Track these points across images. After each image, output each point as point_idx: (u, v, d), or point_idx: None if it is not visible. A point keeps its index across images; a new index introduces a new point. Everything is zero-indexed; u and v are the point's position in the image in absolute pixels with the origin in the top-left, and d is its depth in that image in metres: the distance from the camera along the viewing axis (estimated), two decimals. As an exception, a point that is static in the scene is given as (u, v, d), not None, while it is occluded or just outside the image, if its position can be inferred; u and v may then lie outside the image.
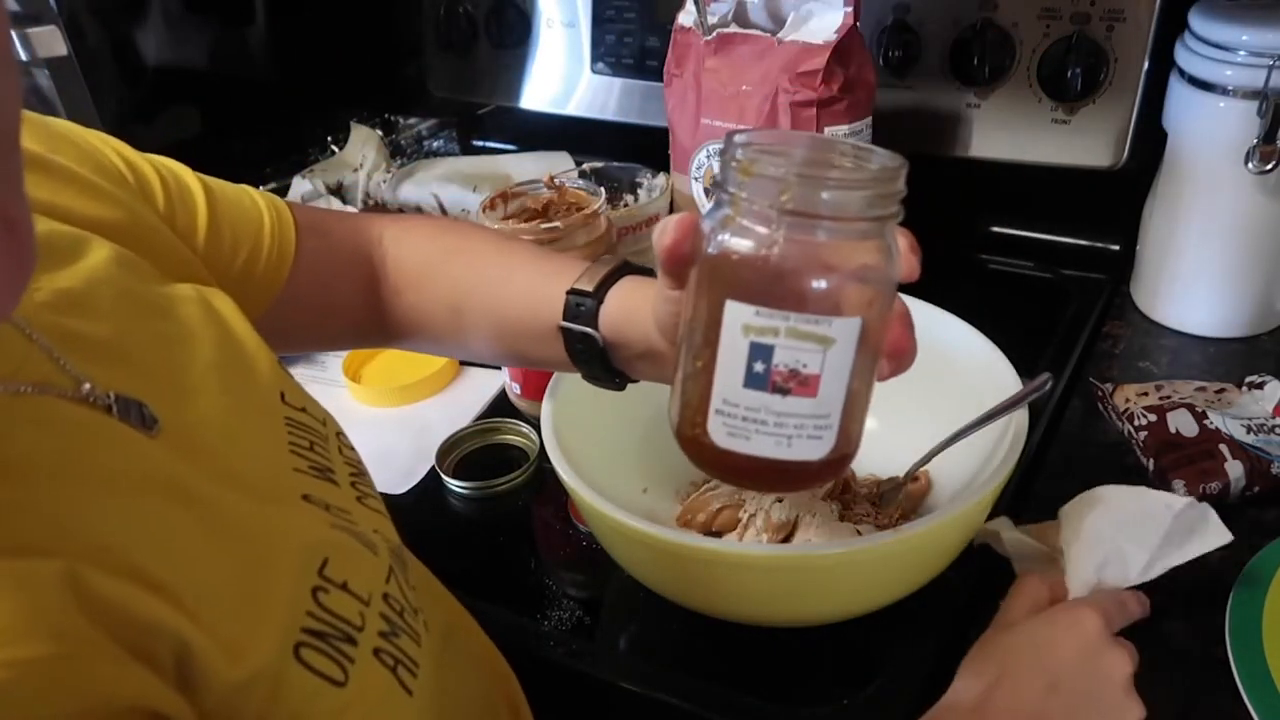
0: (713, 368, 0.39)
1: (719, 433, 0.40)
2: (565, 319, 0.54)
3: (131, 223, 0.49)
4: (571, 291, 0.54)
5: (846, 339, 0.39)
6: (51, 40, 0.97)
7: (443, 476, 0.78)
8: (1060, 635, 0.51)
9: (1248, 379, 0.74)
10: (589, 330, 0.53)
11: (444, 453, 0.80)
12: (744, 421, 0.39)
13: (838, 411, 0.40)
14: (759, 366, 0.38)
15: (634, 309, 0.52)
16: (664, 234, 0.43)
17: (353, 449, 0.51)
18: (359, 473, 0.49)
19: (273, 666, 0.34)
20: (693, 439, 0.41)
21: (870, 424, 0.73)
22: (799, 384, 0.39)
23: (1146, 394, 0.74)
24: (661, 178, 0.95)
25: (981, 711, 0.49)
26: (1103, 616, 0.52)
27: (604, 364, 0.54)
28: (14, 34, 0.96)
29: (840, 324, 0.38)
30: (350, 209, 1.03)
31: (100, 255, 0.44)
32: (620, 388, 0.56)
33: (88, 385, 0.37)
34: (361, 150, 1.17)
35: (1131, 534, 0.55)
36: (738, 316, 0.38)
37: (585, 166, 0.96)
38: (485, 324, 0.59)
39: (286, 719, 0.34)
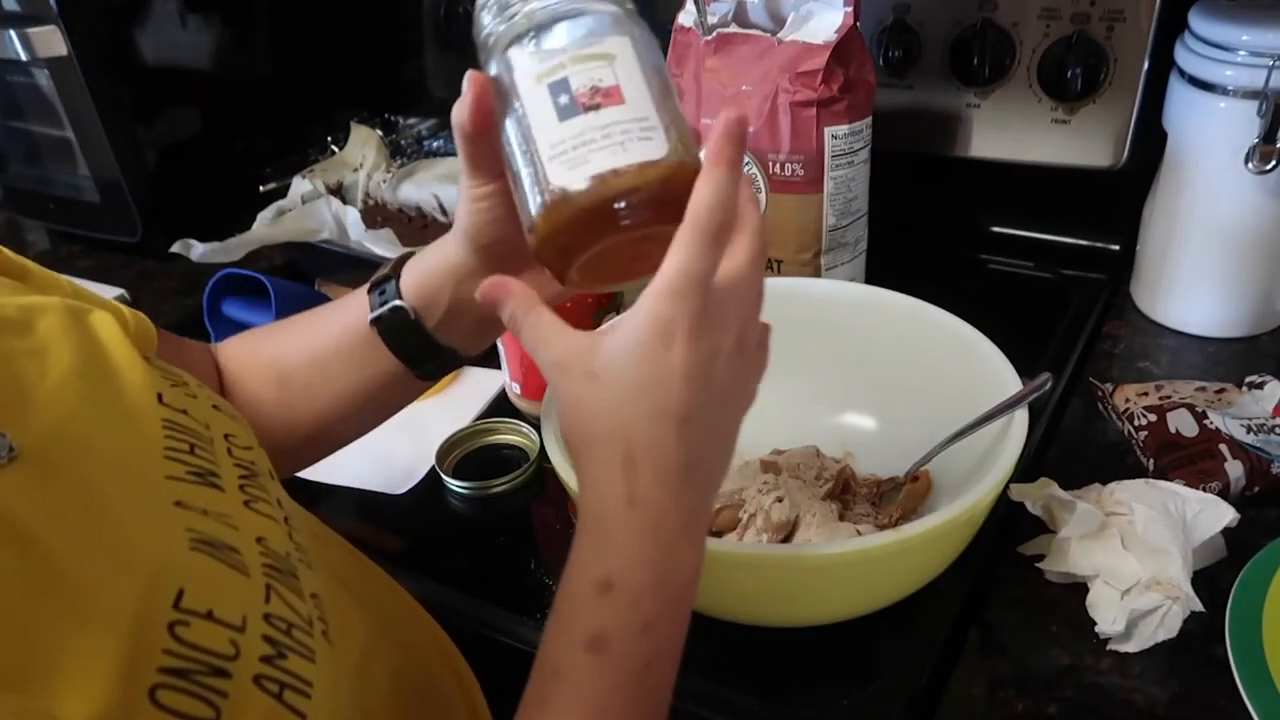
0: (533, 138, 0.42)
1: (561, 175, 0.41)
2: (372, 310, 0.55)
3: None
4: (370, 287, 0.56)
5: (624, 51, 0.43)
6: (51, 40, 0.97)
7: (443, 476, 0.78)
8: (649, 367, 0.40)
9: (1248, 379, 0.74)
10: (397, 303, 0.54)
11: (444, 453, 0.80)
12: (575, 149, 0.41)
13: (653, 113, 0.42)
14: (563, 99, 0.41)
15: (430, 263, 0.54)
16: (462, 103, 0.45)
17: (248, 448, 0.48)
18: (251, 475, 0.46)
19: (116, 717, 0.31)
20: (549, 212, 0.42)
21: (870, 424, 0.74)
22: (604, 96, 0.42)
23: (1146, 394, 0.74)
24: (661, 178, 0.94)
25: (637, 504, 0.40)
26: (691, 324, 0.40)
27: (422, 341, 0.55)
28: (14, 34, 0.97)
29: (612, 40, 0.43)
30: (351, 209, 1.03)
31: None
32: (451, 365, 0.57)
33: None
34: (361, 150, 1.17)
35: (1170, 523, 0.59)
36: (526, 70, 0.42)
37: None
38: (309, 375, 0.58)
39: None
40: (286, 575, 0.42)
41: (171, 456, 0.42)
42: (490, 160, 0.47)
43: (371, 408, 0.61)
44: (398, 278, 0.55)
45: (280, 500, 0.47)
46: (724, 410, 0.42)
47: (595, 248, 0.43)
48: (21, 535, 0.33)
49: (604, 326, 0.45)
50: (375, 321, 0.55)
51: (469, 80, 0.45)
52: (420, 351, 0.56)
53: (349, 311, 0.57)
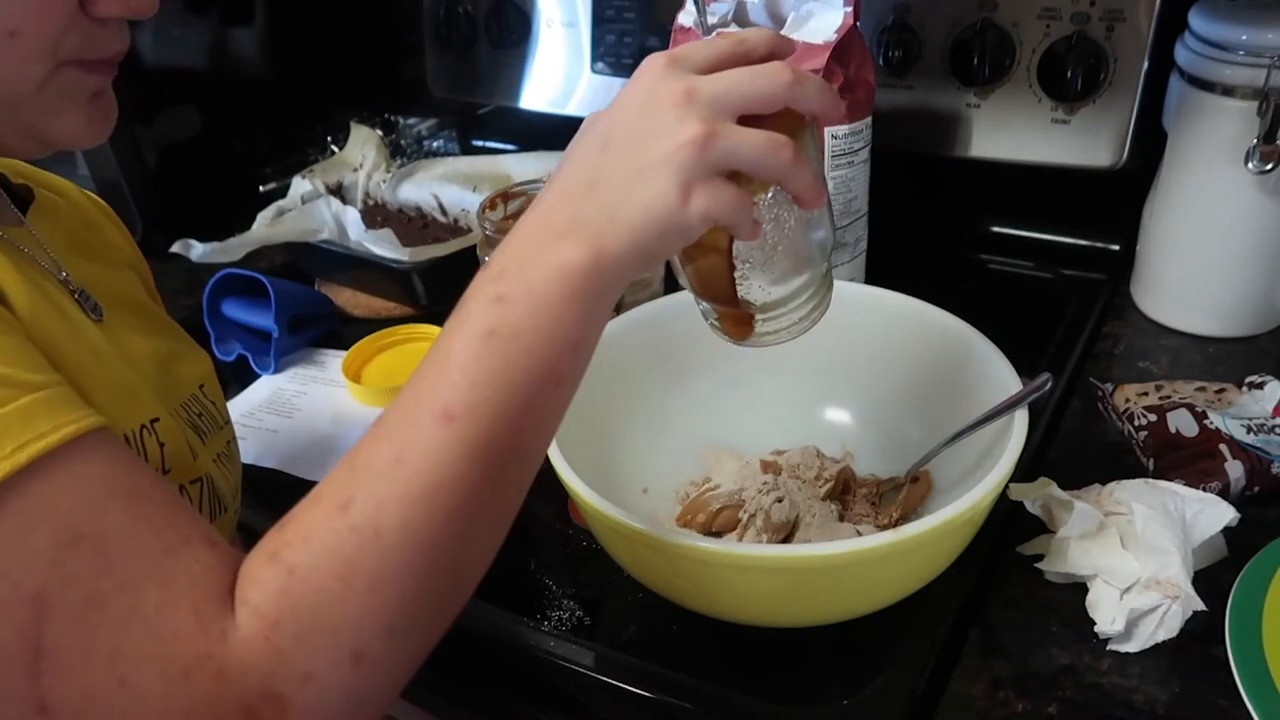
0: None
1: None
2: None
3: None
4: None
5: None
6: (51, 40, 0.97)
7: (443, 476, 0.77)
8: (624, 92, 0.45)
9: (1248, 379, 0.74)
10: None
11: (444, 453, 0.80)
12: None
13: None
14: None
15: None
16: None
17: (237, 458, 0.65)
18: (228, 456, 0.63)
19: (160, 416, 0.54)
20: None
21: (870, 424, 0.74)
22: None
23: (1146, 394, 0.74)
24: (661, 178, 0.94)
25: (538, 207, 0.45)
26: (668, 56, 0.45)
27: None
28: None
29: None
30: (350, 209, 1.03)
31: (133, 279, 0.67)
32: None
33: (64, 273, 0.54)
34: (361, 150, 1.17)
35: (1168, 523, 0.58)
36: None
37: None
38: None
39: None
40: (218, 501, 0.57)
41: (184, 405, 0.59)
42: None
43: None
44: None
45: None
46: (645, 142, 0.43)
47: None
48: (93, 348, 0.52)
49: None
50: None
51: None
52: None
53: None
